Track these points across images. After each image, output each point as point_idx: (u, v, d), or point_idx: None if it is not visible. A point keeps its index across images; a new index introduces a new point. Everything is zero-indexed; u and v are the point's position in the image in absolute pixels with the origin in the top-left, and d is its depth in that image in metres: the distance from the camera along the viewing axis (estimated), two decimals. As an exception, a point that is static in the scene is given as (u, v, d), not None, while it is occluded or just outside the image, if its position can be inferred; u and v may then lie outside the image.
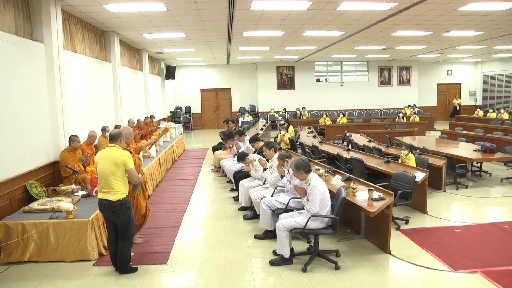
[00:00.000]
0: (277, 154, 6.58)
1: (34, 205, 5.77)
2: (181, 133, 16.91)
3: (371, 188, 5.54)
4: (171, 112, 21.73)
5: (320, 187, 4.88)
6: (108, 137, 8.95)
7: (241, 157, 7.71)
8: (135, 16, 9.07)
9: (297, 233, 5.02)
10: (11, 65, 6.05)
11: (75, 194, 6.35)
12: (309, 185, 4.92)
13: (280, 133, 11.96)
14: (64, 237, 5.24)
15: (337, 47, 15.96)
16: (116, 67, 11.27)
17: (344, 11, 9.06)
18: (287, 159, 5.96)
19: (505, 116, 17.59)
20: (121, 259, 4.87)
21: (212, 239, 6.10)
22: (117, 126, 9.91)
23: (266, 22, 10.28)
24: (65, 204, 5.32)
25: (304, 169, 5.03)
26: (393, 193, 5.44)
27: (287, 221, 4.99)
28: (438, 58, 21.79)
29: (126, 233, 4.84)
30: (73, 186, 6.57)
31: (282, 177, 6.18)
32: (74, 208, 5.40)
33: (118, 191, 4.70)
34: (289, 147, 11.29)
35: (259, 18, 9.68)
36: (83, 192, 6.40)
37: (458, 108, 23.82)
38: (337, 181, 6.46)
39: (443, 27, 11.50)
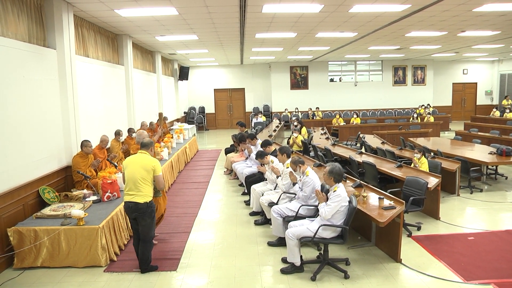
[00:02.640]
0: (289, 160, 6.55)
1: (46, 210, 5.84)
2: (194, 134, 16.96)
3: (381, 196, 5.48)
4: (184, 112, 21.82)
5: (343, 199, 4.86)
6: (120, 141, 9.13)
7: (260, 154, 7.67)
8: (147, 20, 9.11)
9: (307, 241, 4.99)
10: (24, 72, 6.12)
11: (86, 199, 6.41)
12: (334, 192, 4.91)
13: (292, 135, 11.90)
14: (75, 243, 5.31)
15: (350, 48, 15.83)
16: (129, 70, 11.34)
17: (357, 13, 8.96)
18: (300, 165, 5.92)
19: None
20: (143, 259, 5.19)
21: (222, 245, 6.11)
22: (130, 130, 9.98)
23: (278, 25, 10.24)
24: (76, 211, 5.37)
25: (335, 177, 4.99)
26: (403, 201, 5.37)
27: (296, 229, 4.97)
28: (453, 57, 21.46)
29: (148, 235, 5.14)
30: (85, 191, 6.63)
31: (294, 184, 6.13)
32: (85, 215, 5.45)
33: (146, 194, 5.02)
34: (301, 149, 11.25)
35: (271, 20, 9.64)
36: (94, 198, 6.46)
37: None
38: (348, 187, 6.40)
39: (458, 28, 11.32)
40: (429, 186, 6.35)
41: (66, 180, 7.28)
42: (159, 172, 5.11)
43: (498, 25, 11.10)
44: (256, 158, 7.98)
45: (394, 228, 5.30)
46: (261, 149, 8.46)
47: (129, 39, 11.25)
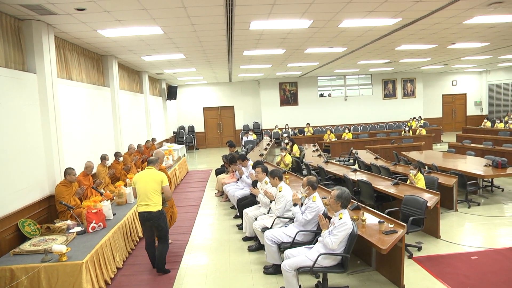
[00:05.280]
0: (281, 183, 6.27)
1: (26, 246, 5.46)
2: (184, 155, 16.61)
3: (381, 220, 5.20)
4: (174, 132, 21.49)
5: (349, 227, 4.56)
6: (107, 166, 8.80)
7: (257, 165, 7.59)
8: (131, 40, 8.87)
9: (305, 271, 4.65)
10: (1, 99, 5.80)
11: (70, 231, 6.05)
12: (339, 219, 4.61)
13: (281, 153, 11.50)
14: (57, 281, 4.90)
15: (340, 62, 15.73)
16: (115, 92, 11.05)
17: (346, 28, 8.82)
18: (310, 187, 5.57)
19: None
20: (160, 259, 5.87)
21: (215, 275, 5.77)
22: (117, 154, 9.65)
23: (267, 41, 10.07)
24: (57, 246, 5.00)
25: (343, 202, 4.72)
26: (405, 224, 5.10)
27: (294, 260, 4.64)
28: (442, 69, 21.51)
29: (165, 237, 5.90)
30: (69, 222, 6.26)
31: (295, 205, 5.80)
32: (67, 249, 5.07)
33: (157, 203, 5.71)
34: (288, 168, 10.91)
35: (259, 37, 9.46)
36: (79, 229, 6.08)
37: None
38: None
39: (448, 40, 11.25)
40: (428, 204, 6.10)
41: (49, 211, 6.92)
42: (166, 183, 5.84)
43: (487, 37, 11.05)
44: (252, 185, 7.84)
45: (395, 252, 5.01)
46: (253, 170, 8.19)
47: (114, 60, 10.99)
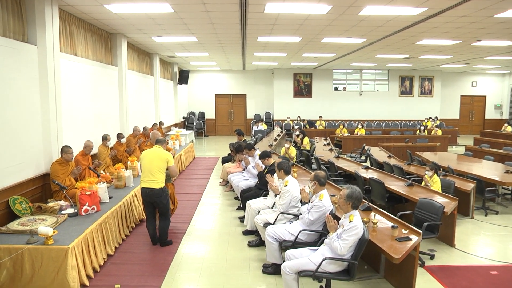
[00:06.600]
0: (288, 177, 5.85)
1: (13, 225, 5.15)
2: (191, 141, 16.25)
3: (395, 225, 4.75)
4: (183, 117, 21.12)
5: (360, 230, 4.13)
6: (109, 146, 8.45)
7: (264, 155, 7.41)
8: (140, 17, 8.47)
9: (307, 276, 4.24)
10: (-4, 69, 5.46)
11: (62, 212, 5.72)
12: (350, 222, 4.19)
13: (284, 145, 10.92)
14: (40, 265, 4.58)
15: (357, 55, 15.18)
16: (123, 71, 10.68)
17: (367, 16, 8.32)
18: (316, 182, 5.14)
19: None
20: (162, 234, 6.17)
21: (210, 270, 5.39)
22: (119, 135, 9.28)
23: (282, 27, 9.60)
24: (44, 228, 4.65)
25: (353, 202, 4.30)
26: (420, 231, 4.65)
27: (295, 263, 4.23)
28: (463, 68, 20.79)
29: (166, 214, 6.13)
30: (62, 202, 5.94)
31: (303, 202, 5.38)
32: (54, 232, 4.73)
33: (161, 181, 5.91)
34: (294, 161, 10.46)
35: (274, 22, 9.00)
36: (71, 210, 5.76)
37: None
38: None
39: (473, 36, 10.64)
40: (445, 210, 5.64)
41: (44, 189, 6.62)
42: (172, 163, 6.05)
43: (519, 35, 10.43)
44: (259, 158, 7.73)
45: (407, 260, 4.55)
46: (259, 161, 7.79)
47: (123, 39, 10.60)
